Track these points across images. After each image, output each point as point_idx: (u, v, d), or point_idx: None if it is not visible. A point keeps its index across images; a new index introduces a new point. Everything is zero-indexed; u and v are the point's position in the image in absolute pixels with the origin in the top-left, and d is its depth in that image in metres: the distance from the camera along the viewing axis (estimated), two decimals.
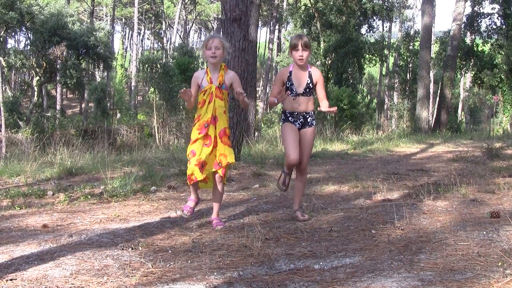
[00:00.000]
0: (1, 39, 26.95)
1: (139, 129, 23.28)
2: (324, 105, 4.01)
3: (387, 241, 3.36)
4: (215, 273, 2.82)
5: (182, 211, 3.97)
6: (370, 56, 27.92)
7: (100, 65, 31.59)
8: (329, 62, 25.56)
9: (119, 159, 8.39)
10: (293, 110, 4.10)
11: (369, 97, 27.14)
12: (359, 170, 7.14)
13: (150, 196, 5.39)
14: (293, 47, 4.05)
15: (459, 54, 22.22)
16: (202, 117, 3.93)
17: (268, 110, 33.17)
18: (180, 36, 47.03)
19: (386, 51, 31.47)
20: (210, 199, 5.19)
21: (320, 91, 4.13)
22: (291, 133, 4.07)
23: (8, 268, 2.87)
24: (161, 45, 51.88)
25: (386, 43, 31.64)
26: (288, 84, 4.07)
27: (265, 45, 48.77)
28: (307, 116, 4.11)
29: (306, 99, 4.09)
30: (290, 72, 4.10)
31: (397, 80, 34.01)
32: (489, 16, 24.45)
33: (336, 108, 4.02)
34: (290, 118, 4.11)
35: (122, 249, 3.30)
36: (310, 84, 4.07)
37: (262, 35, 59.32)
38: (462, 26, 21.93)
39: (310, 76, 4.08)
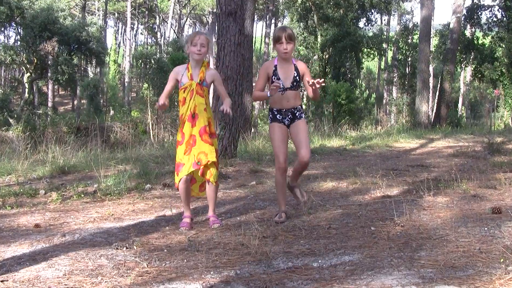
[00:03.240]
0: None
1: (133, 126, 23.22)
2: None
3: (386, 238, 3.37)
4: (211, 272, 2.82)
5: (180, 228, 3.90)
6: (368, 50, 27.91)
7: (92, 61, 31.53)
8: (327, 56, 25.55)
9: (113, 157, 8.36)
10: (281, 107, 4.04)
11: (367, 91, 27.17)
12: (358, 166, 7.14)
13: (145, 194, 5.38)
14: (277, 40, 3.97)
15: (459, 47, 22.25)
16: (184, 115, 3.94)
17: (265, 106, 33.17)
18: (174, 30, 46.93)
19: (384, 45, 31.47)
20: (205, 196, 5.19)
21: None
22: (280, 135, 4.02)
23: None
24: (155, 40, 51.78)
25: (385, 36, 31.59)
26: (274, 78, 4.00)
27: (261, 40, 48.73)
28: (295, 111, 4.06)
29: (294, 93, 4.03)
30: (275, 66, 4.03)
31: (396, 74, 34.02)
32: (490, 8, 24.48)
33: (322, 80, 3.92)
34: (278, 116, 4.05)
35: (117, 248, 3.30)
36: (297, 77, 4.01)
37: (258, 29, 59.31)
38: (462, 19, 21.95)
39: (296, 69, 4.03)
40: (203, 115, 3.91)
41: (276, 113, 4.07)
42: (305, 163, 4.02)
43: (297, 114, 4.07)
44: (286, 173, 4.12)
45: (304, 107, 4.47)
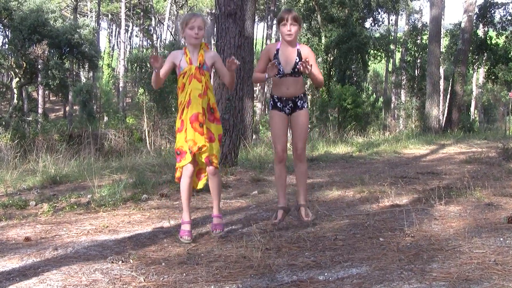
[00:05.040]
0: None
1: (128, 133, 23.24)
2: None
3: (396, 249, 3.37)
4: (212, 287, 2.83)
5: (181, 237, 3.87)
6: (375, 51, 27.99)
7: (85, 65, 31.56)
8: (331, 58, 25.60)
9: (107, 166, 8.38)
10: (281, 95, 4.06)
11: (374, 95, 27.18)
12: (365, 174, 7.15)
13: (141, 205, 5.38)
14: (280, 21, 3.99)
15: (471, 48, 22.27)
16: (183, 102, 3.93)
17: (266, 111, 33.20)
18: (171, 32, 47.01)
19: (392, 46, 31.55)
20: (204, 207, 5.21)
21: (313, 68, 3.99)
22: (279, 125, 4.06)
23: None
24: (150, 42, 51.92)
25: (392, 37, 31.72)
26: (275, 63, 3.99)
27: (263, 42, 48.81)
28: (297, 100, 4.08)
29: (295, 80, 4.03)
30: (277, 50, 4.04)
31: (404, 77, 34.07)
32: (504, 6, 24.51)
33: (307, 59, 3.87)
34: (278, 104, 4.08)
35: (112, 262, 3.30)
36: (299, 63, 3.99)
37: (259, 30, 59.53)
38: (474, 18, 21.97)
39: (299, 54, 4.02)
40: (197, 101, 3.87)
41: (276, 100, 4.09)
42: (297, 155, 4.11)
43: (298, 104, 4.08)
44: (285, 164, 4.18)
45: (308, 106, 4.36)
